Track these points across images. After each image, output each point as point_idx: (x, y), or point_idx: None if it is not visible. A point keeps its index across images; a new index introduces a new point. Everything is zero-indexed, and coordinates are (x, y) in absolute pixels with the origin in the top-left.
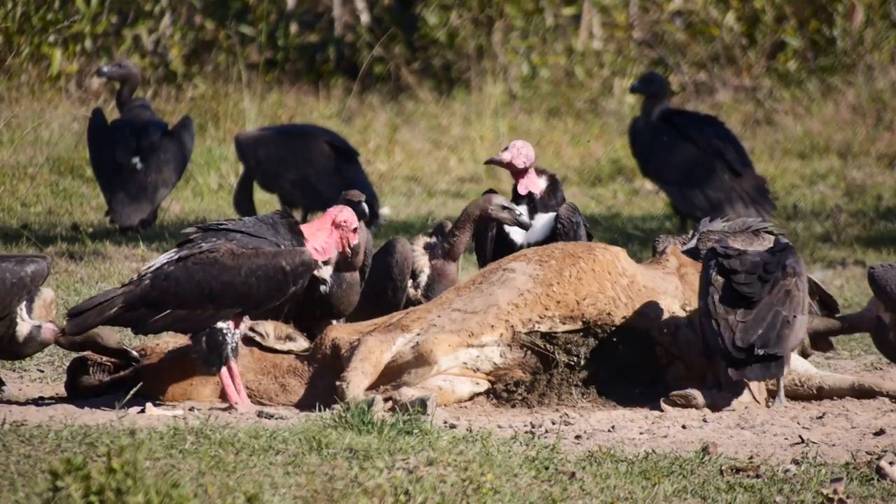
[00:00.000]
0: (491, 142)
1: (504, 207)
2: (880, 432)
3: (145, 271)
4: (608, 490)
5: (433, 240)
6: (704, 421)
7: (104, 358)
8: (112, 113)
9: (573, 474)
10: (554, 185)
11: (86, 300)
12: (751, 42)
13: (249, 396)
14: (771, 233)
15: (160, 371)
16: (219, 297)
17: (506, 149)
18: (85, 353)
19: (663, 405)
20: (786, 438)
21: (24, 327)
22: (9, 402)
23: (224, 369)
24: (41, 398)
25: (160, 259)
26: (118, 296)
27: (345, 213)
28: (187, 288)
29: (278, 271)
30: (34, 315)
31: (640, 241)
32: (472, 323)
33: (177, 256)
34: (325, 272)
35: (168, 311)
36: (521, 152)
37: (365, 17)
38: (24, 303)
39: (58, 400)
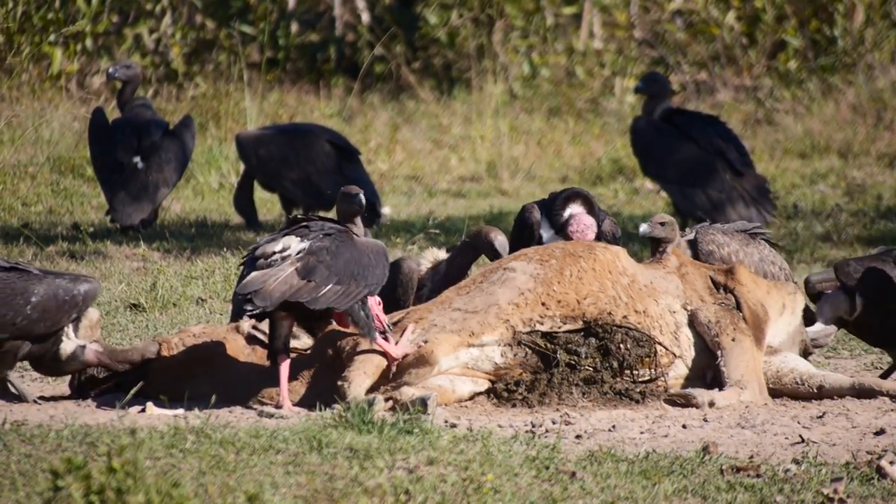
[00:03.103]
0: (491, 141)
1: (497, 252)
2: (880, 432)
3: (279, 253)
4: (609, 489)
5: (443, 256)
6: (705, 420)
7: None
8: (113, 112)
9: (574, 474)
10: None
11: (249, 280)
12: (751, 42)
13: (250, 395)
14: (767, 240)
15: (165, 369)
16: (359, 275)
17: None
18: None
19: (663, 404)
20: (786, 438)
21: (68, 346)
22: (9, 401)
23: (379, 336)
24: (42, 397)
25: (292, 241)
26: (287, 271)
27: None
28: (341, 262)
29: (385, 258)
30: (80, 335)
31: (641, 240)
32: (472, 322)
33: (322, 234)
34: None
35: (329, 285)
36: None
37: (366, 17)
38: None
39: (59, 399)
